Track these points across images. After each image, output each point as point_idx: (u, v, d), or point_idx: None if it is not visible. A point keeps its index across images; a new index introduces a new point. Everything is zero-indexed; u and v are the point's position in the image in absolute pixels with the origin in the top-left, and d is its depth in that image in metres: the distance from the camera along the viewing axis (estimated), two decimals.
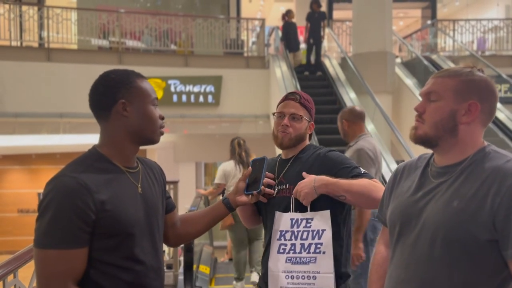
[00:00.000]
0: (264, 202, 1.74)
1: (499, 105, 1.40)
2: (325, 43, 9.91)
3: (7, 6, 9.44)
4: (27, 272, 2.05)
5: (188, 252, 4.00)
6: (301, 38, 9.67)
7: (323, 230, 1.60)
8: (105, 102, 1.34)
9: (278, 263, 1.64)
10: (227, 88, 9.53)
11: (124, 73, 1.38)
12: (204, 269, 5.09)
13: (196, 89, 9.45)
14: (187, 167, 11.93)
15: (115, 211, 1.27)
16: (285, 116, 1.77)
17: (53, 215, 1.20)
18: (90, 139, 5.59)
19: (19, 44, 9.76)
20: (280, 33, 9.71)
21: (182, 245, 4.11)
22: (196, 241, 4.73)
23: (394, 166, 5.26)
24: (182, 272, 4.09)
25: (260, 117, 9.63)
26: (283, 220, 1.67)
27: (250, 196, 1.67)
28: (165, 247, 4.22)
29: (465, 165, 1.25)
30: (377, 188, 1.60)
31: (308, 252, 1.60)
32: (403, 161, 2.15)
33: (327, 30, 9.41)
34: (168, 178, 1.72)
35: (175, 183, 4.68)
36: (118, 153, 1.37)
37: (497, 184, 1.16)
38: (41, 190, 1.29)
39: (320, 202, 1.63)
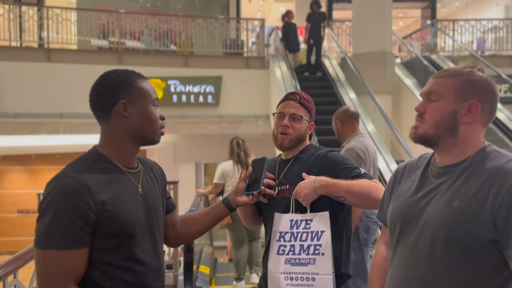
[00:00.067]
0: (265, 203, 1.74)
1: (499, 105, 1.40)
2: (325, 44, 9.92)
3: (6, 6, 9.44)
4: (27, 273, 2.05)
5: (188, 252, 4.00)
6: (301, 38, 9.68)
7: (322, 232, 1.60)
8: (106, 102, 1.34)
9: (277, 264, 1.64)
10: (227, 89, 9.53)
11: (125, 73, 1.38)
12: (204, 269, 5.09)
13: (196, 89, 9.46)
14: (187, 167, 11.93)
15: (116, 211, 1.27)
16: (285, 116, 1.76)
17: (54, 215, 1.20)
18: (90, 140, 5.59)
19: (19, 44, 9.77)
20: (280, 33, 9.71)
21: (182, 246, 4.12)
22: (196, 241, 4.73)
23: (394, 166, 5.26)
24: (182, 273, 4.09)
25: (260, 118, 9.63)
26: (283, 221, 1.67)
27: (251, 196, 1.67)
28: (165, 248, 4.21)
29: (465, 165, 1.25)
30: (377, 188, 1.60)
31: (307, 254, 1.60)
32: (403, 161, 2.15)
33: (327, 31, 9.42)
34: (168, 178, 1.72)
35: (175, 183, 4.67)
36: (118, 153, 1.37)
37: (497, 184, 1.16)
38: (41, 191, 1.29)
39: (320, 202, 1.62)
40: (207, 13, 13.93)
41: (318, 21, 8.78)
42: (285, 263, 1.62)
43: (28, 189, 12.48)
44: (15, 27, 9.54)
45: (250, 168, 1.73)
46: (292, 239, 1.64)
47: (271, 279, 1.64)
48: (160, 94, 9.04)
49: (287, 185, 1.72)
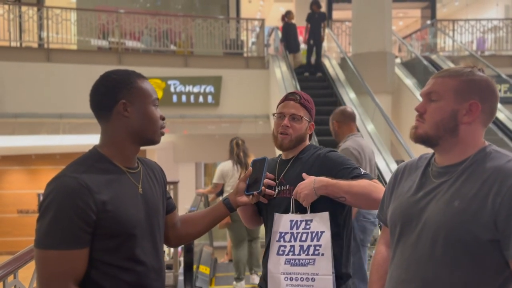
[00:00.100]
0: (265, 203, 1.74)
1: (499, 105, 1.40)
2: (324, 44, 9.92)
3: (6, 6, 9.44)
4: (27, 273, 2.05)
5: (188, 252, 4.00)
6: (301, 38, 9.68)
7: (322, 232, 1.60)
8: (106, 102, 1.34)
9: (277, 265, 1.64)
10: (226, 89, 9.53)
11: (125, 73, 1.38)
12: (204, 269, 5.09)
13: (196, 89, 9.46)
14: (187, 168, 11.93)
15: (116, 211, 1.27)
16: (285, 116, 1.76)
17: (54, 215, 1.20)
18: (90, 140, 5.59)
19: (18, 44, 9.76)
20: (280, 33, 9.71)
21: (182, 246, 4.12)
22: (196, 241, 4.73)
23: (394, 166, 5.27)
24: (182, 273, 4.10)
25: (260, 118, 9.63)
26: (283, 222, 1.68)
27: (251, 196, 1.67)
28: (165, 248, 4.21)
29: (466, 165, 1.25)
30: (377, 189, 1.59)
31: (307, 254, 1.60)
32: (403, 161, 2.15)
33: (326, 31, 9.42)
34: (168, 178, 1.72)
35: (175, 183, 4.67)
36: (118, 153, 1.37)
37: (498, 184, 1.16)
38: (41, 191, 1.29)
39: (320, 203, 1.62)
40: (207, 13, 13.94)
41: (318, 21, 8.78)
42: (285, 263, 1.62)
43: (28, 189, 12.48)
44: (15, 27, 9.54)
45: (250, 168, 1.73)
46: (292, 239, 1.64)
47: (271, 280, 1.64)
48: (160, 94, 9.05)
49: (287, 185, 1.72)
